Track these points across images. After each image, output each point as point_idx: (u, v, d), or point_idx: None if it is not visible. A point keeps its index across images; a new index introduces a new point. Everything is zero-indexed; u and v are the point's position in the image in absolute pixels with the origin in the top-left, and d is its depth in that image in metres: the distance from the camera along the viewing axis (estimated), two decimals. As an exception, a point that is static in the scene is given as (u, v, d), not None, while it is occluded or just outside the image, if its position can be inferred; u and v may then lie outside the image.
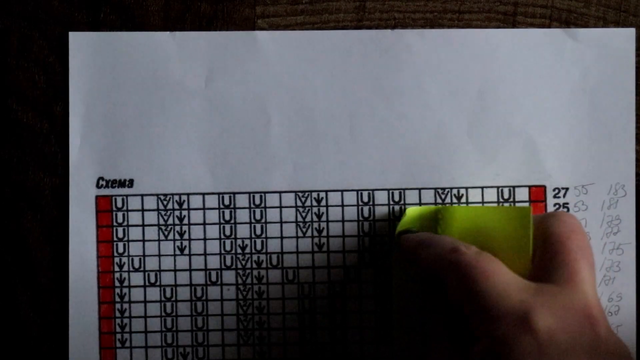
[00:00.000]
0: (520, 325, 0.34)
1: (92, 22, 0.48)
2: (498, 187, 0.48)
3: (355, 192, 0.48)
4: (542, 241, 0.38)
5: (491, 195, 0.48)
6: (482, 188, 0.48)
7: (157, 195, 0.48)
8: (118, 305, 0.48)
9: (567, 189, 0.48)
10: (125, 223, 0.48)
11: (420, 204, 0.48)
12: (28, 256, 0.48)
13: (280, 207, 0.48)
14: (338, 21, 0.48)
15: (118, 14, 0.48)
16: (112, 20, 0.48)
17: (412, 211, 0.46)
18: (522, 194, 0.48)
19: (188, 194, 0.48)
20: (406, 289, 0.46)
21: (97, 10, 0.48)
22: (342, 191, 0.48)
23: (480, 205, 0.48)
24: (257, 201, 0.48)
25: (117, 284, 0.48)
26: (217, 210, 0.48)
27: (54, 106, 0.48)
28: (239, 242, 0.48)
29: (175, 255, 0.48)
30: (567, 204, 0.48)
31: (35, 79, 0.48)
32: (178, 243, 0.48)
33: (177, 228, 0.48)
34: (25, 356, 0.48)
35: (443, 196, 0.48)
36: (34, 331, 0.48)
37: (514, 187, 0.48)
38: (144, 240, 0.48)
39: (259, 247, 0.48)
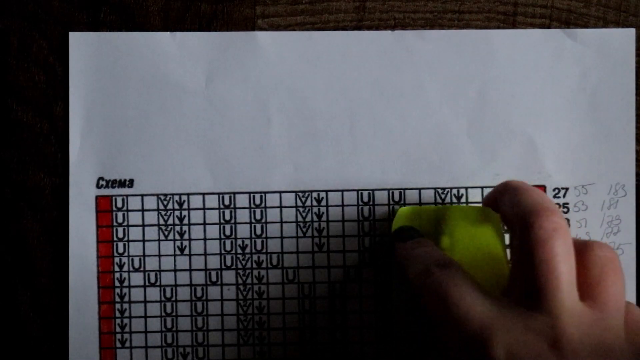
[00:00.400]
0: (479, 353, 0.34)
1: (92, 22, 0.48)
2: (498, 187, 0.48)
3: (355, 192, 0.48)
4: (586, 266, 0.37)
5: (491, 195, 0.48)
6: (482, 188, 0.48)
7: (157, 195, 0.48)
8: (118, 306, 0.48)
9: (567, 189, 0.48)
10: (125, 223, 0.48)
11: (420, 203, 0.48)
12: (28, 256, 0.48)
13: (281, 207, 0.48)
14: (338, 21, 0.48)
15: (118, 14, 0.48)
16: (112, 20, 0.48)
17: (404, 210, 0.46)
18: (522, 194, 0.48)
19: (188, 194, 0.48)
20: (405, 290, 0.46)
21: (97, 10, 0.48)
22: (342, 191, 0.48)
23: (479, 204, 0.48)
24: (257, 201, 0.48)
25: (117, 284, 0.48)
26: (217, 210, 0.48)
27: (54, 106, 0.48)
28: (239, 242, 0.48)
29: (175, 255, 0.48)
30: (567, 204, 0.48)
31: (35, 79, 0.48)
32: (178, 243, 0.48)
33: (177, 228, 0.48)
34: (25, 356, 0.48)
35: (443, 196, 0.48)
36: (34, 331, 0.48)
37: (514, 187, 0.48)
38: (144, 240, 0.48)
39: (259, 247, 0.48)
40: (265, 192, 0.48)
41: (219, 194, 0.48)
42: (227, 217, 0.48)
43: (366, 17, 0.48)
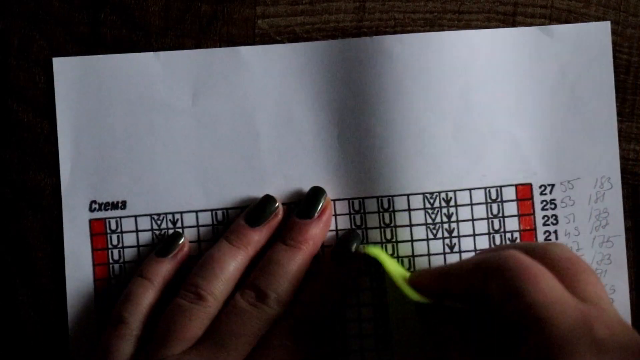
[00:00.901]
0: (581, 329, 0.34)
1: (92, 22, 0.48)
2: (485, 188, 0.48)
3: (346, 201, 0.48)
4: (556, 267, 0.37)
5: (479, 196, 0.48)
6: (469, 190, 0.48)
7: (151, 215, 0.48)
8: None
9: (553, 185, 0.49)
10: (120, 245, 0.48)
11: (409, 210, 0.48)
12: (28, 256, 0.48)
13: (273, 219, 0.48)
14: (338, 21, 0.48)
15: (118, 14, 0.48)
16: (112, 20, 0.48)
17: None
18: (509, 193, 0.48)
19: (181, 212, 0.48)
20: (403, 309, 0.45)
21: (97, 10, 0.48)
22: (333, 200, 0.48)
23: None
24: (250, 215, 0.48)
25: (114, 305, 0.47)
26: (210, 227, 0.48)
27: (54, 106, 0.48)
28: (234, 256, 0.48)
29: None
30: (554, 200, 0.49)
31: (35, 79, 0.48)
32: (174, 261, 0.48)
33: (172, 246, 0.48)
34: (25, 356, 0.48)
35: (432, 200, 0.48)
36: (34, 331, 0.48)
37: (500, 187, 0.48)
38: (139, 261, 0.48)
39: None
40: (257, 206, 0.48)
41: (211, 210, 0.48)
42: (221, 234, 0.47)
43: (366, 17, 0.48)
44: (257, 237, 0.46)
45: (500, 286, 0.36)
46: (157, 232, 0.48)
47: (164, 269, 0.46)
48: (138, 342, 0.45)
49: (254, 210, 0.47)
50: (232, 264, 0.45)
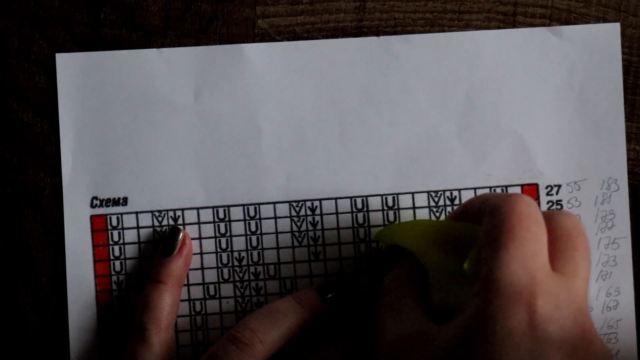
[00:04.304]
0: (523, 300, 0.35)
1: (92, 22, 0.48)
2: (490, 188, 0.48)
3: (349, 199, 0.48)
4: (552, 235, 0.38)
5: (484, 195, 0.48)
6: (474, 189, 0.48)
7: (152, 212, 0.48)
8: (118, 324, 0.48)
9: (559, 186, 0.48)
10: (121, 241, 0.48)
11: (414, 207, 0.48)
12: (28, 256, 0.48)
13: (275, 217, 0.48)
14: (338, 21, 0.48)
15: (118, 14, 0.48)
16: (112, 20, 0.48)
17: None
18: (515, 193, 0.48)
19: (182, 209, 0.48)
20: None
21: (97, 10, 0.48)
22: (335, 199, 0.48)
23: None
24: (252, 213, 0.48)
25: (115, 302, 0.48)
26: (212, 224, 0.48)
27: (54, 106, 0.48)
28: (236, 254, 0.48)
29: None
30: (560, 201, 0.48)
31: (35, 79, 0.48)
32: (175, 258, 0.48)
33: (173, 243, 0.48)
34: (25, 356, 0.48)
35: (436, 199, 0.48)
36: (35, 331, 0.48)
37: (506, 186, 0.48)
38: (140, 258, 0.48)
39: (255, 258, 0.48)
40: (259, 204, 0.48)
41: (213, 207, 0.48)
42: (222, 231, 0.48)
43: (366, 17, 0.48)
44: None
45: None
46: (158, 229, 0.48)
47: (173, 268, 0.46)
48: (162, 347, 0.45)
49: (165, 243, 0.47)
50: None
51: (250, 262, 0.48)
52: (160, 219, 0.48)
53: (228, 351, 0.42)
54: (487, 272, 0.36)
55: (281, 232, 0.48)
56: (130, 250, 0.48)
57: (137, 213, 0.48)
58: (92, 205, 0.48)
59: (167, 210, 0.48)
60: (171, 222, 0.48)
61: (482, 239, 0.37)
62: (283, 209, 0.48)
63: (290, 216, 0.48)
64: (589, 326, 0.36)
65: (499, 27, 0.48)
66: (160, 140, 0.48)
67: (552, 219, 0.38)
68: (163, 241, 0.47)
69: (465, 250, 0.40)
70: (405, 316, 0.40)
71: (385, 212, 0.48)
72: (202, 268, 0.48)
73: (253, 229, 0.48)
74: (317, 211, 0.48)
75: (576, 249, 0.38)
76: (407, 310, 0.40)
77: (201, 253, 0.48)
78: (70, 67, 0.48)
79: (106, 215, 0.48)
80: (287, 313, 0.44)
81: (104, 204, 0.48)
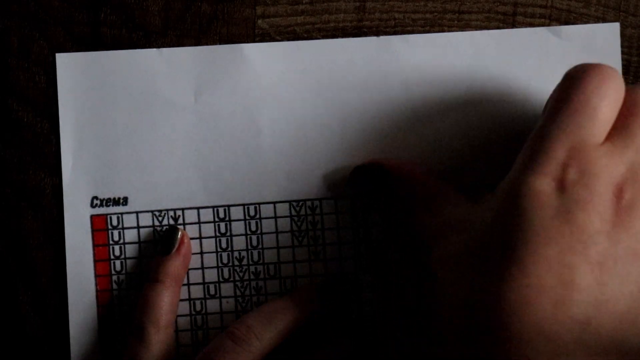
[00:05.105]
0: (553, 166, 0.36)
1: (92, 22, 0.48)
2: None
3: (349, 199, 0.48)
4: (623, 106, 0.38)
5: (483, 195, 0.48)
6: (474, 189, 0.48)
7: (152, 211, 0.48)
8: (119, 324, 0.48)
9: (558, 185, 0.49)
10: (121, 241, 0.48)
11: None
12: (28, 256, 0.48)
13: (275, 217, 0.48)
14: (338, 21, 0.48)
15: (118, 14, 0.48)
16: (112, 20, 0.48)
17: None
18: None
19: (182, 209, 0.48)
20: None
21: (97, 10, 0.48)
22: (335, 199, 0.48)
23: None
24: (252, 212, 0.48)
25: (115, 301, 0.48)
26: (212, 224, 0.48)
27: (54, 106, 0.48)
28: (236, 254, 0.48)
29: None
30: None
31: (35, 79, 0.48)
32: (175, 258, 0.48)
33: (174, 243, 0.48)
34: (26, 356, 0.48)
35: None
36: (35, 331, 0.48)
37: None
38: (140, 257, 0.48)
39: (255, 258, 0.48)
40: (259, 203, 0.48)
41: (213, 207, 0.48)
42: (223, 230, 0.48)
43: (366, 17, 0.48)
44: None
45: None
46: (159, 229, 0.48)
47: (171, 267, 0.46)
48: (161, 346, 0.45)
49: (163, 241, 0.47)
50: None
51: (251, 262, 0.48)
52: (160, 218, 0.48)
53: (225, 346, 0.43)
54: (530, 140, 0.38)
55: (281, 232, 0.48)
56: (131, 250, 0.48)
57: (137, 213, 0.48)
58: (92, 205, 0.48)
59: (168, 210, 0.48)
60: (171, 221, 0.48)
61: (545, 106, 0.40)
62: (283, 209, 0.48)
63: (290, 216, 0.48)
64: (631, 197, 0.35)
65: (498, 27, 0.48)
66: (160, 140, 0.48)
67: (630, 91, 0.38)
68: (161, 241, 0.47)
69: None
70: (441, 201, 0.43)
71: (385, 211, 0.48)
72: (203, 267, 0.48)
73: (253, 228, 0.48)
74: (317, 211, 0.48)
75: (637, 118, 0.37)
76: (441, 195, 0.44)
77: (201, 252, 0.48)
78: (70, 67, 0.48)
79: (106, 215, 0.48)
80: (285, 311, 0.45)
81: (104, 203, 0.48)
